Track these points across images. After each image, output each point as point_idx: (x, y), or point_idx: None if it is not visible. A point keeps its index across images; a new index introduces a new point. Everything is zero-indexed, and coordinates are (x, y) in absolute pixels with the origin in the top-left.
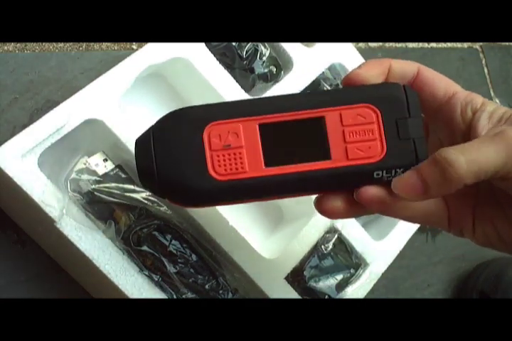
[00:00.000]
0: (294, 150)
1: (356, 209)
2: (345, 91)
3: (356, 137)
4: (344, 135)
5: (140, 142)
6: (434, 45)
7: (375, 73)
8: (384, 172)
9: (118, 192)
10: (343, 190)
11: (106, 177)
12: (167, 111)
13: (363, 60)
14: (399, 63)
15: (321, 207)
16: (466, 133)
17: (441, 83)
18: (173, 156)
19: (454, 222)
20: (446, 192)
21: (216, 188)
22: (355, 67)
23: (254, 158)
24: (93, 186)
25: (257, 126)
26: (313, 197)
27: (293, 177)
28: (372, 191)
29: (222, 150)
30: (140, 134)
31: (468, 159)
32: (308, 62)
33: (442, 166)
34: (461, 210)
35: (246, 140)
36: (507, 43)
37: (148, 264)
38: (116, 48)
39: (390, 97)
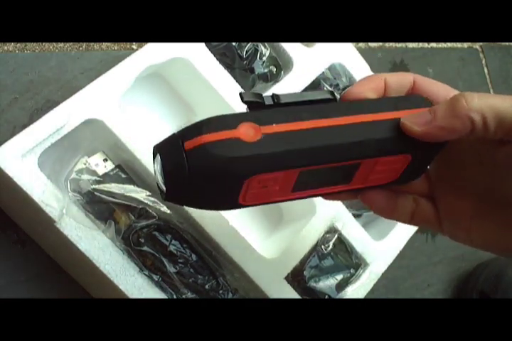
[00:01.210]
0: (322, 181)
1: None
2: (393, 140)
3: (380, 174)
4: (371, 173)
5: (172, 162)
6: (434, 45)
7: (368, 88)
8: None
9: (118, 192)
10: None
11: (106, 177)
12: (167, 111)
13: (363, 60)
14: (394, 76)
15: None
16: None
17: (438, 89)
18: (208, 191)
19: (449, 224)
20: (450, 126)
21: (240, 206)
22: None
23: (284, 190)
24: (93, 186)
25: (297, 173)
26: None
27: (312, 195)
28: (375, 198)
29: (257, 189)
30: (170, 148)
31: (481, 97)
32: (308, 62)
33: (454, 98)
34: (458, 212)
35: (283, 182)
36: (507, 43)
37: (148, 264)
38: (116, 48)
39: (427, 149)
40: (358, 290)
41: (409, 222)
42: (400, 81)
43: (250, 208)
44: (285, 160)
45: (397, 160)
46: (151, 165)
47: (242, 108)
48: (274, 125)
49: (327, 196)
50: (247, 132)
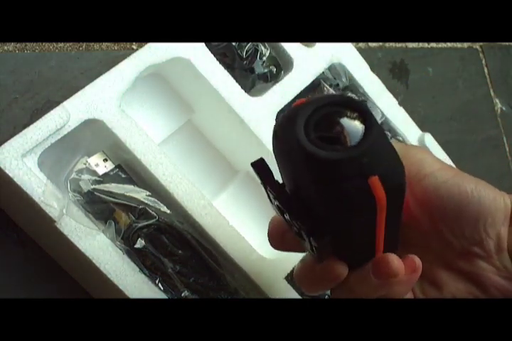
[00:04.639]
0: None
1: None
2: None
3: None
4: None
5: None
6: (434, 45)
7: None
8: None
9: (118, 192)
10: None
11: (106, 177)
12: (167, 111)
13: (363, 60)
14: None
15: None
16: None
17: None
18: None
19: None
20: None
21: None
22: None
23: None
24: (93, 186)
25: None
26: None
27: None
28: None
29: None
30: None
31: None
32: (308, 62)
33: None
34: None
35: None
36: (507, 43)
37: (148, 264)
38: (116, 48)
39: None
40: None
41: None
42: None
43: (250, 207)
44: None
45: None
46: (151, 165)
47: (241, 107)
48: None
49: None
50: None
